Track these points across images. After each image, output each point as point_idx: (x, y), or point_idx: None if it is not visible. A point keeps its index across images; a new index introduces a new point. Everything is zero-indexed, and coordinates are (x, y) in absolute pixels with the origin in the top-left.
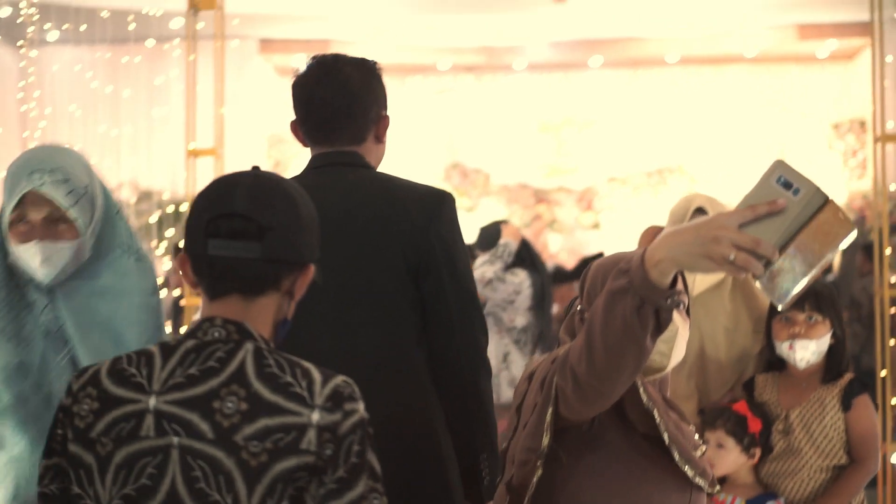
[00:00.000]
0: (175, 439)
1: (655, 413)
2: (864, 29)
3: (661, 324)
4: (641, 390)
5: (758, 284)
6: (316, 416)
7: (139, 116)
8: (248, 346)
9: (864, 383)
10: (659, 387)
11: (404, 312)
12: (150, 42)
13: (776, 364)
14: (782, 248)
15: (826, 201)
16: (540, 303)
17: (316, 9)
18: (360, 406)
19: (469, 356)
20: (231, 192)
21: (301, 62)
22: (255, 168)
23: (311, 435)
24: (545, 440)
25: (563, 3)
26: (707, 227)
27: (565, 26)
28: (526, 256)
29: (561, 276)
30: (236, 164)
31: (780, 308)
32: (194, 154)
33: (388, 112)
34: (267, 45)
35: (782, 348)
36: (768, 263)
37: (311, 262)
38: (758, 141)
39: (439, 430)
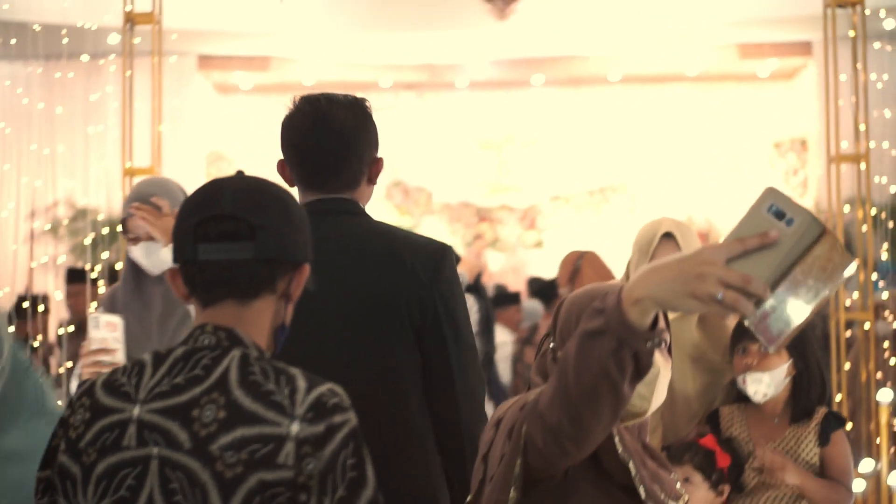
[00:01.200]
0: (155, 449)
1: (631, 465)
2: (804, 48)
3: (641, 368)
4: (617, 439)
5: (747, 324)
6: (295, 428)
7: (74, 134)
8: (235, 353)
9: (841, 417)
10: (638, 432)
11: (407, 378)
12: (85, 57)
13: (743, 396)
14: (775, 285)
15: (823, 232)
16: (486, 327)
17: (256, 25)
18: (349, 415)
19: (469, 411)
20: (218, 195)
21: (240, 79)
22: (240, 172)
23: (289, 448)
24: (513, 494)
25: (505, 21)
26: (691, 262)
27: (507, 44)
28: (471, 283)
29: (504, 298)
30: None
31: (771, 351)
32: (130, 173)
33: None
34: (206, 61)
35: (739, 381)
36: (759, 302)
37: (304, 262)
38: (700, 159)
39: (440, 496)
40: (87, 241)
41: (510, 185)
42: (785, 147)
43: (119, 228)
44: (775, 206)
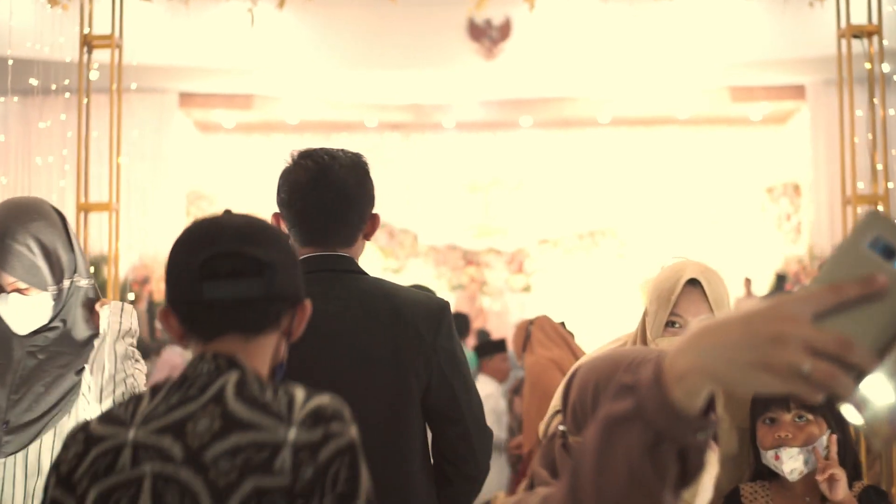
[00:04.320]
0: (147, 467)
1: None
2: (797, 92)
3: (688, 469)
4: None
5: (843, 410)
6: (292, 434)
7: (23, 165)
8: (233, 375)
9: (882, 491)
10: None
11: (412, 438)
12: (34, 81)
13: (765, 472)
14: (884, 351)
15: None
16: None
17: (239, 62)
18: (349, 428)
19: (483, 461)
20: (220, 232)
21: (222, 117)
22: (227, 211)
23: (286, 454)
24: None
25: (493, 61)
26: (763, 319)
27: (495, 84)
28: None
29: (489, 347)
30: (156, 220)
31: (878, 447)
32: (85, 209)
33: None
34: (187, 98)
35: (768, 458)
36: (860, 375)
37: (304, 299)
38: (691, 204)
39: None
40: None
41: (497, 228)
42: (778, 192)
43: None
44: (881, 240)
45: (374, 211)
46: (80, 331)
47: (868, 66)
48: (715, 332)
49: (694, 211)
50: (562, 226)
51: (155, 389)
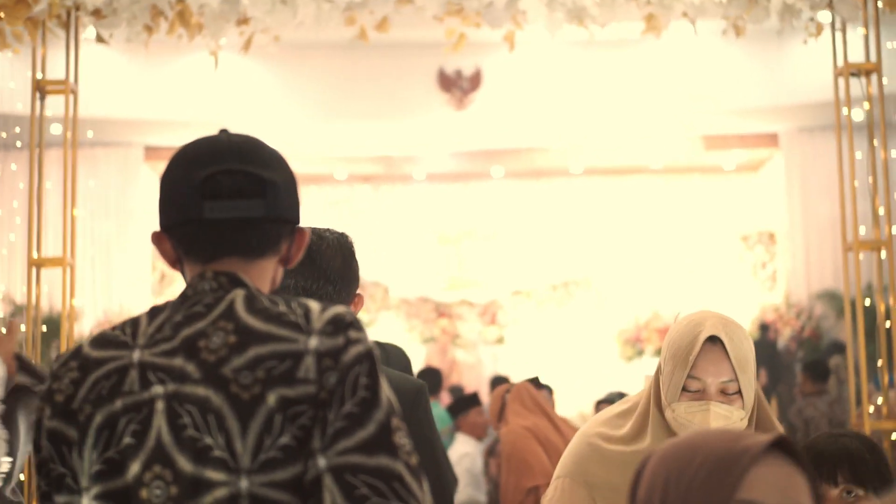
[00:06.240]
0: (160, 388)
1: None
2: (770, 139)
3: None
4: None
5: None
6: (314, 342)
7: None
8: (239, 291)
9: None
10: None
11: None
12: None
13: None
14: None
15: None
16: None
17: (206, 115)
18: (366, 337)
19: None
20: (221, 149)
21: None
22: (224, 130)
23: (309, 361)
24: None
25: (463, 111)
26: None
27: (466, 135)
28: None
29: (462, 403)
30: (121, 276)
31: None
32: (38, 264)
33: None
34: (153, 152)
35: None
36: None
37: (300, 223)
38: (666, 253)
39: None
40: None
41: (470, 280)
42: (753, 240)
43: None
44: None
45: (357, 291)
46: None
47: (867, 105)
48: None
49: (669, 260)
50: (535, 277)
51: (154, 310)
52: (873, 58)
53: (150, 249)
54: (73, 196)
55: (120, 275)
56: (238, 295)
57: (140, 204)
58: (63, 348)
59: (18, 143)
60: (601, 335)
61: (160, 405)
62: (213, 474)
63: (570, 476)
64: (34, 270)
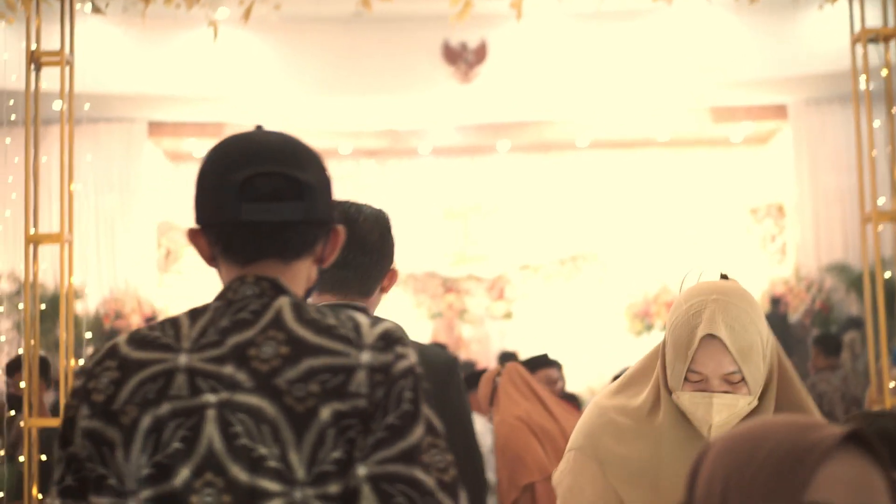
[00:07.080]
0: (211, 397)
1: None
2: (779, 111)
3: None
4: None
5: None
6: (366, 357)
7: None
8: (284, 300)
9: None
10: None
11: None
12: None
13: None
14: None
15: None
16: None
17: (210, 90)
18: (412, 353)
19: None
20: (259, 150)
21: (193, 146)
22: (259, 127)
23: (362, 376)
24: None
25: (469, 85)
26: None
27: (472, 109)
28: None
29: (475, 378)
30: (126, 252)
31: None
32: (35, 240)
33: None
34: (157, 128)
35: None
36: None
37: (339, 224)
38: (673, 226)
39: None
40: None
41: (477, 255)
42: (761, 213)
43: None
44: None
45: (392, 266)
46: None
47: (885, 72)
48: None
49: (677, 234)
50: (543, 251)
51: (194, 312)
52: (892, 23)
53: (155, 225)
54: (71, 170)
55: (125, 252)
56: (284, 303)
57: (144, 181)
58: (62, 326)
59: (13, 117)
60: (609, 309)
61: (211, 413)
62: (269, 485)
63: (582, 450)
64: (31, 247)
